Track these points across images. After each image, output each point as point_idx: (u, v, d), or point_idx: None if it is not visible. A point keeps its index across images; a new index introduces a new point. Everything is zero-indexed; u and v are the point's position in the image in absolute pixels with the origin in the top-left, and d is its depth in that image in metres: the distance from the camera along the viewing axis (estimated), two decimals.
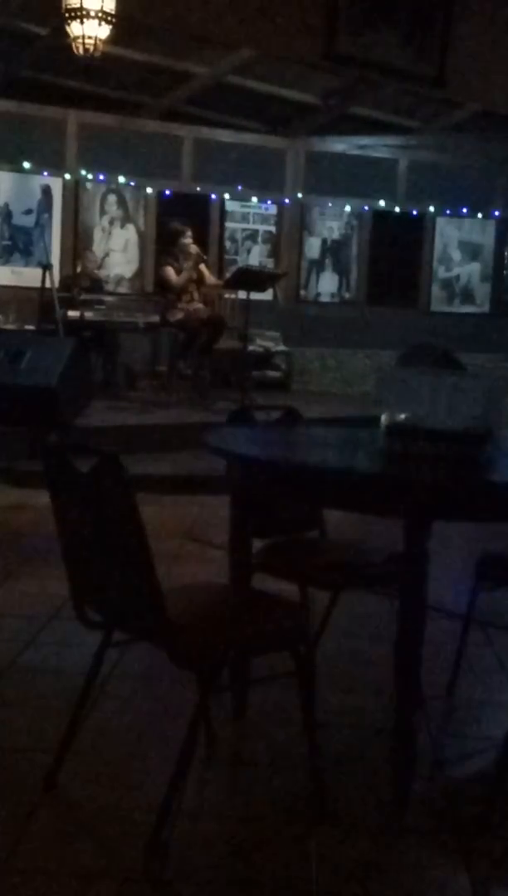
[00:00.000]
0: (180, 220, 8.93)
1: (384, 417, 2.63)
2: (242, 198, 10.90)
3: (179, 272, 8.58)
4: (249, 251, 11.02)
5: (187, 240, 8.64)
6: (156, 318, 8.72)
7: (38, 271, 8.34)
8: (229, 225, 10.91)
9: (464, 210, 11.51)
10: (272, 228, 11.12)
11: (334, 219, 11.26)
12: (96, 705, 2.82)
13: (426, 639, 2.47)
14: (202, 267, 8.75)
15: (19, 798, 2.41)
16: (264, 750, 2.77)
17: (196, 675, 2.26)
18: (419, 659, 2.46)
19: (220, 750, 2.71)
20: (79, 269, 9.56)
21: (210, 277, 8.83)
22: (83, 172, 10.21)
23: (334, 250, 11.29)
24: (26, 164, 9.90)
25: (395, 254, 11.43)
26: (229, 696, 2.86)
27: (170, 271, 8.60)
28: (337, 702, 3.06)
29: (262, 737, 2.84)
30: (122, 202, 10.42)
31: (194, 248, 8.65)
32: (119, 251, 10.42)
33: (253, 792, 2.53)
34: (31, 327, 8.63)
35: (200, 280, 8.73)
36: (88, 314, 8.41)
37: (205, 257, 8.96)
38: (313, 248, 11.24)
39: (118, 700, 2.99)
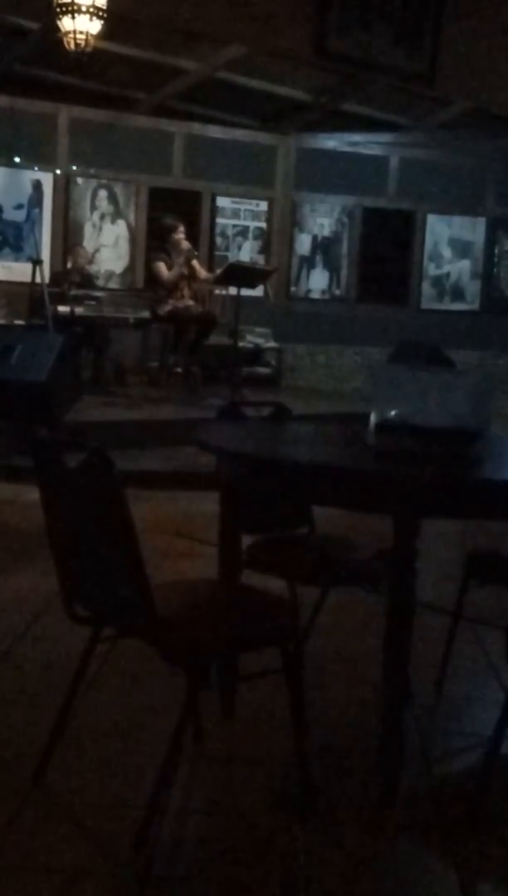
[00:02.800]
0: (172, 216, 8.93)
1: (373, 414, 2.63)
2: (232, 194, 10.90)
3: (170, 267, 8.58)
4: (239, 247, 11.01)
5: (179, 235, 8.64)
6: (146, 314, 8.71)
7: (29, 266, 8.32)
8: (219, 221, 10.90)
9: (455, 207, 11.52)
10: (263, 225, 11.11)
11: (324, 215, 11.26)
12: (85, 701, 2.81)
13: (414, 636, 2.48)
14: (194, 262, 8.75)
15: (7, 793, 2.41)
16: (253, 746, 2.77)
17: (185, 671, 2.27)
18: (408, 656, 2.47)
19: (208, 746, 2.72)
20: (69, 265, 9.53)
21: (201, 271, 8.82)
22: (74, 167, 10.18)
23: (324, 247, 11.29)
24: (17, 159, 9.87)
25: (385, 251, 11.44)
26: (217, 692, 2.87)
27: (161, 266, 8.61)
28: (326, 698, 3.07)
29: (250, 733, 2.84)
30: (112, 197, 10.40)
31: (185, 244, 8.65)
32: (110, 246, 10.40)
33: (242, 789, 2.53)
34: (21, 322, 8.61)
35: (191, 275, 8.73)
36: (79, 309, 8.40)
37: (196, 253, 8.96)
38: (303, 244, 11.24)
39: (107, 695, 2.99)
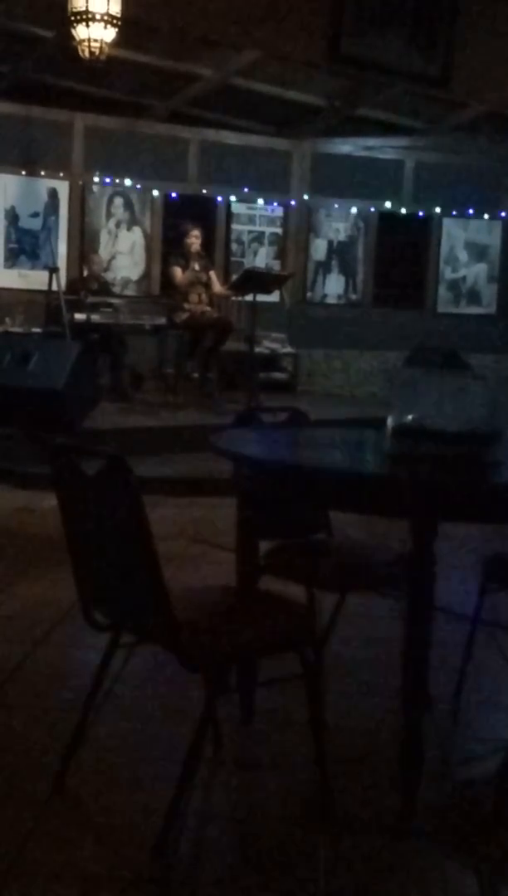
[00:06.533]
0: (188, 222, 9.01)
1: (390, 419, 2.62)
2: (248, 200, 10.91)
3: (185, 271, 8.64)
4: (255, 253, 11.02)
5: (190, 239, 8.72)
6: (163, 321, 8.73)
7: (45, 274, 8.36)
8: (235, 227, 10.92)
9: (470, 211, 11.49)
10: (279, 230, 11.12)
11: (340, 220, 11.25)
12: (104, 707, 2.82)
13: (433, 640, 2.47)
14: (212, 274, 8.82)
15: (26, 800, 2.41)
16: (272, 752, 2.76)
17: (203, 677, 2.26)
18: (427, 661, 2.46)
19: (227, 752, 2.71)
20: (85, 272, 9.57)
21: (216, 284, 8.86)
22: (90, 175, 10.22)
23: (340, 252, 11.28)
24: (33, 167, 9.92)
25: (401, 255, 11.42)
26: (236, 698, 2.86)
27: (176, 270, 8.68)
28: (344, 703, 3.06)
29: (269, 739, 2.84)
30: (128, 205, 10.44)
31: (195, 248, 8.72)
32: (126, 254, 10.44)
33: (260, 794, 2.53)
34: (37, 330, 8.65)
35: (208, 284, 8.79)
36: (95, 317, 8.42)
37: (204, 254, 8.98)
38: (319, 249, 11.23)
39: (126, 702, 2.99)
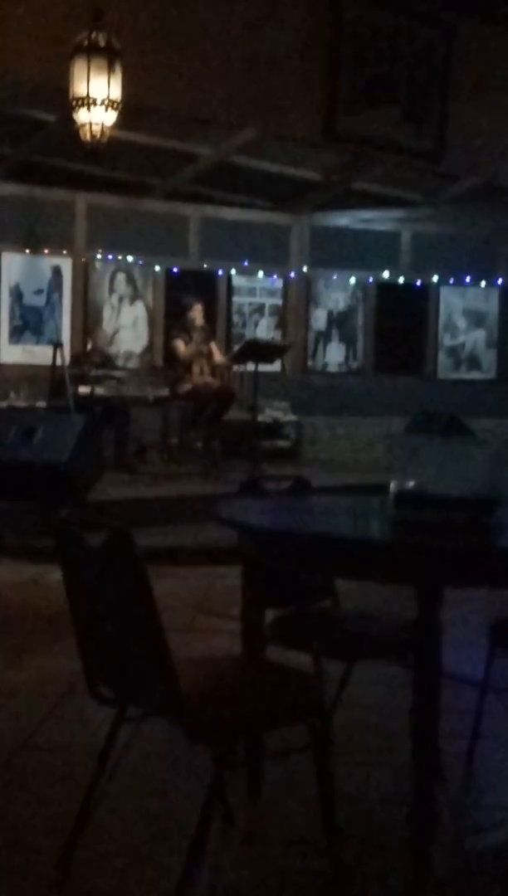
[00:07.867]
0: (190, 296, 9.16)
1: (393, 485, 2.64)
2: (248, 273, 11.08)
3: (187, 344, 8.76)
4: (256, 324, 11.15)
5: (193, 314, 8.85)
6: (166, 392, 8.82)
7: (50, 349, 8.46)
8: (236, 299, 11.07)
9: (468, 279, 11.66)
10: (279, 302, 11.27)
11: (339, 291, 11.41)
12: (111, 783, 2.78)
13: (442, 708, 2.45)
14: (213, 345, 8.95)
15: (32, 879, 2.37)
16: (281, 826, 2.72)
17: (211, 751, 2.24)
18: (436, 729, 2.44)
19: (236, 827, 2.67)
20: (89, 346, 9.68)
21: (217, 354, 8.98)
22: (92, 253, 10.40)
23: (340, 321, 11.42)
24: (37, 246, 10.10)
25: (401, 323, 11.54)
26: (244, 771, 2.83)
27: (179, 343, 8.80)
28: (354, 773, 3.02)
29: (279, 813, 2.79)
30: (130, 280, 10.60)
31: (199, 322, 8.85)
32: (129, 327, 10.57)
33: (270, 870, 2.48)
34: (42, 404, 8.72)
35: (209, 355, 8.91)
36: (99, 390, 8.50)
37: (207, 327, 9.12)
38: (319, 319, 11.37)
39: (133, 777, 2.95)
